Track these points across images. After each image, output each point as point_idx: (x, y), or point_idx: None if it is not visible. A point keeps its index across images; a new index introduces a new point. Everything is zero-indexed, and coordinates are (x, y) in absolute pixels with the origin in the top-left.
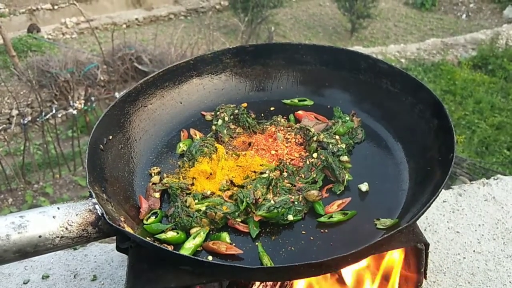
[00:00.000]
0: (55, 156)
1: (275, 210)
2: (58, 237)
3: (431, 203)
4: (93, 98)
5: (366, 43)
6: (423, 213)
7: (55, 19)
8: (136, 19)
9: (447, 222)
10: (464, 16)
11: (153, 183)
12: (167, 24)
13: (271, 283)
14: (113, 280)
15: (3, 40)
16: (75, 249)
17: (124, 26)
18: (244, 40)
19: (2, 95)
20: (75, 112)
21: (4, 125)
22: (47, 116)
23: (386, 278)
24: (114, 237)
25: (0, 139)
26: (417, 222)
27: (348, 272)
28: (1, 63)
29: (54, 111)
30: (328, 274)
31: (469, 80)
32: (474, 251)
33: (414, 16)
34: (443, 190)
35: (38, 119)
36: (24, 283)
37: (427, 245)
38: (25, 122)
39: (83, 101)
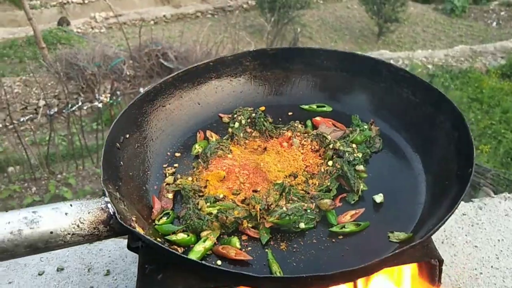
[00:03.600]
0: (79, 148)
1: (287, 217)
2: (69, 234)
3: (447, 219)
4: (118, 92)
5: (393, 47)
6: (437, 229)
7: (85, 13)
8: (164, 16)
9: (466, 235)
10: (494, 23)
11: (167, 184)
12: (194, 22)
13: None
14: (126, 276)
15: (34, 32)
16: (90, 243)
17: (152, 22)
18: (269, 41)
19: (30, 85)
20: (100, 105)
21: (31, 115)
22: (73, 108)
23: None
24: (127, 248)
25: (26, 129)
26: (434, 235)
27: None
28: (31, 55)
29: (80, 103)
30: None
31: (497, 88)
32: (492, 266)
33: (443, 22)
34: (462, 202)
35: (64, 111)
36: (39, 274)
37: (441, 261)
38: (52, 113)
39: (109, 95)
